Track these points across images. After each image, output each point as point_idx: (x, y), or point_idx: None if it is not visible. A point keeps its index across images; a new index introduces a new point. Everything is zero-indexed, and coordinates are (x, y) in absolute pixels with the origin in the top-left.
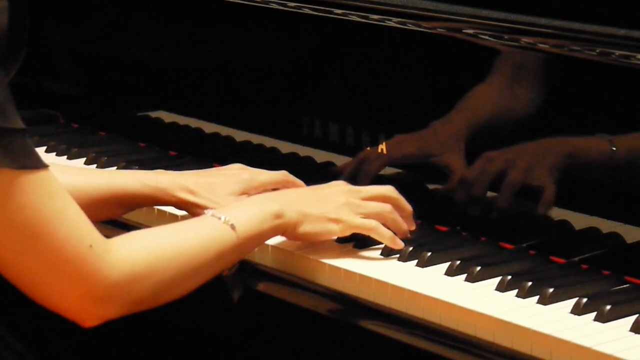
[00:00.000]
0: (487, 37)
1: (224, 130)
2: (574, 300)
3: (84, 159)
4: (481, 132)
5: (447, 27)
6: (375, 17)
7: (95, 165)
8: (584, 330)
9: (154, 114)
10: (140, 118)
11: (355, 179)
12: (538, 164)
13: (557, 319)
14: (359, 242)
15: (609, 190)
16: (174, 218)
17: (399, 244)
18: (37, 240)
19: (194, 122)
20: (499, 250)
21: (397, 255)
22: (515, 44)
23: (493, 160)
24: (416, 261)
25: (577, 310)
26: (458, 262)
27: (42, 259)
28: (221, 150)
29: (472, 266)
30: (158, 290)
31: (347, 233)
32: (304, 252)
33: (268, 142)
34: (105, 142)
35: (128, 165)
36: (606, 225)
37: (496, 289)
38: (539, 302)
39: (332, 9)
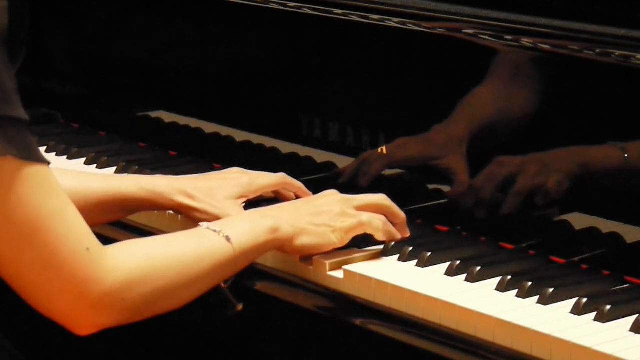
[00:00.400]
0: (487, 37)
1: (224, 130)
2: (574, 300)
3: (84, 159)
4: (482, 133)
5: (447, 27)
6: (375, 17)
7: (95, 165)
8: (584, 330)
9: (154, 114)
10: (140, 118)
11: (356, 180)
12: (548, 172)
13: (557, 319)
14: (358, 242)
15: (609, 190)
16: (173, 219)
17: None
18: (35, 237)
19: (194, 122)
20: (499, 250)
21: (397, 255)
22: (515, 44)
23: (503, 166)
24: (416, 261)
25: (577, 310)
26: (458, 262)
27: (39, 256)
28: (221, 150)
29: (472, 266)
30: (153, 299)
31: (346, 241)
32: None
33: (268, 142)
34: (105, 142)
35: (128, 165)
36: (606, 225)
37: (496, 289)
38: (539, 302)
39: (332, 9)
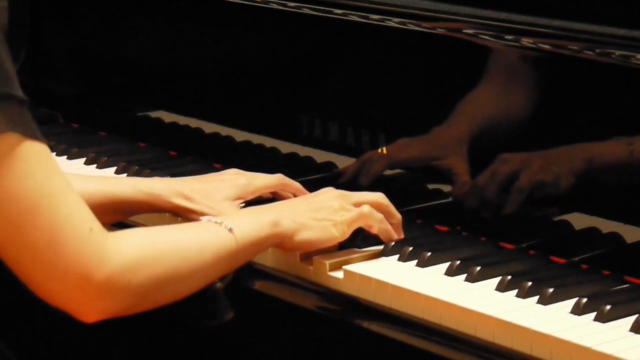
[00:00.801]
0: (487, 37)
1: (224, 130)
2: (574, 300)
3: (84, 159)
4: (483, 132)
5: (447, 27)
6: (375, 17)
7: (95, 165)
8: (584, 330)
9: (154, 114)
10: (140, 118)
11: (356, 180)
12: (553, 169)
13: (557, 319)
14: (358, 242)
15: (609, 190)
16: (173, 219)
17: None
18: (37, 215)
19: (194, 122)
20: (499, 250)
21: (397, 255)
22: (515, 44)
23: (505, 164)
24: (416, 261)
25: (577, 310)
26: (458, 262)
27: (41, 235)
28: (221, 150)
29: (472, 266)
30: (157, 284)
31: (347, 234)
32: (303, 252)
33: (268, 142)
34: (105, 142)
35: (128, 165)
36: (606, 225)
37: (496, 289)
38: (539, 302)
39: (332, 9)
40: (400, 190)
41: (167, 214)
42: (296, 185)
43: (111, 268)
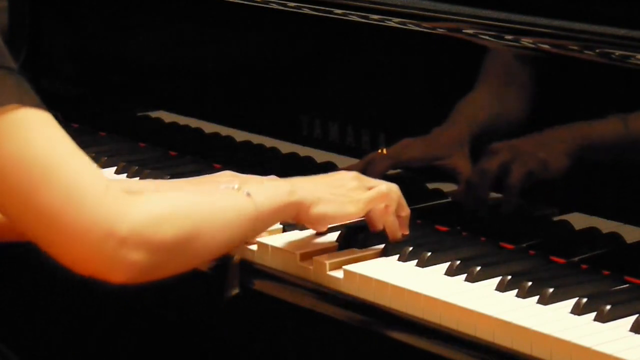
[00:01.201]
0: (487, 37)
1: (224, 130)
2: (574, 300)
3: None
4: (483, 132)
5: (447, 27)
6: (375, 17)
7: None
8: (584, 330)
9: (154, 114)
10: (140, 118)
11: None
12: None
13: (557, 319)
14: (358, 242)
15: (609, 190)
16: None
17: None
18: (50, 179)
19: (194, 122)
20: (499, 250)
21: (397, 255)
22: (515, 44)
23: (497, 156)
24: (416, 261)
25: (577, 310)
26: (458, 262)
27: (58, 196)
28: (221, 150)
29: (472, 266)
30: (182, 239)
31: (363, 213)
32: (303, 252)
33: (268, 142)
34: (105, 142)
35: (128, 165)
36: (606, 225)
37: (496, 289)
38: (539, 302)
39: (332, 9)
40: (400, 190)
41: None
42: None
43: (134, 221)
